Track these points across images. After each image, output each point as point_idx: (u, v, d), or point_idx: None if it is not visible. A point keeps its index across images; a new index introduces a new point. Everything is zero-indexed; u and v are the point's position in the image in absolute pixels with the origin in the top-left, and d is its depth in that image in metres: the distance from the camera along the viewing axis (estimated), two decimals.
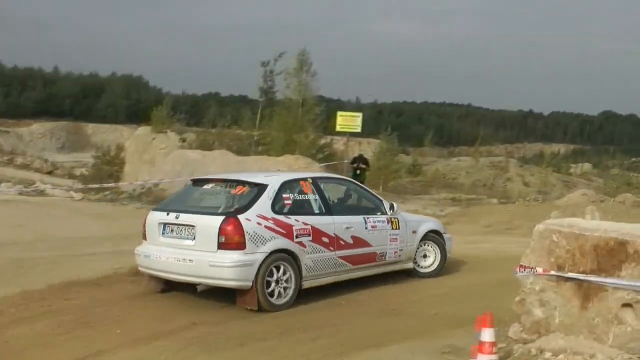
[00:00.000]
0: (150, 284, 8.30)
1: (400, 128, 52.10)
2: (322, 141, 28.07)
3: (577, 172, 41.38)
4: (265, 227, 7.63)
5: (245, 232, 7.46)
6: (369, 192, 9.43)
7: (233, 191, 8.15)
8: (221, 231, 7.45)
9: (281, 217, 7.83)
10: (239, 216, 7.55)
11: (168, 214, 7.98)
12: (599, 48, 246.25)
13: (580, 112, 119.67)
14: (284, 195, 8.05)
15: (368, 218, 8.77)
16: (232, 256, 7.40)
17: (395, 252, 9.02)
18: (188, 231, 7.74)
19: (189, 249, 7.65)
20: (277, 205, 7.91)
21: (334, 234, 8.25)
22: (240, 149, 24.74)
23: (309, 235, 7.98)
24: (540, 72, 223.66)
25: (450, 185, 29.50)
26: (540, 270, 5.16)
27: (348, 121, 23.73)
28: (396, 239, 9.03)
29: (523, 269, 5.24)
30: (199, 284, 8.01)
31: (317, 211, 8.28)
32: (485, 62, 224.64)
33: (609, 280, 4.84)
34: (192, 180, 9.04)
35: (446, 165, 35.32)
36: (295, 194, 8.21)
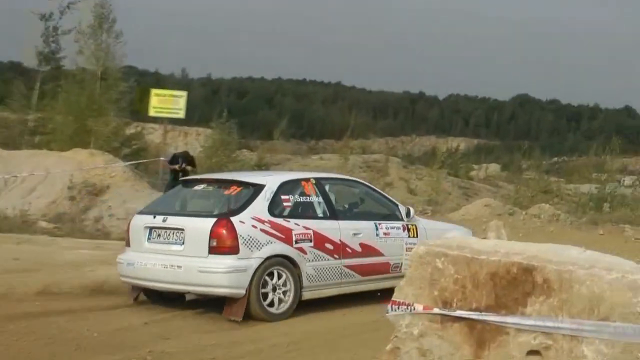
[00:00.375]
0: (133, 295, 10.07)
1: (243, 114, 52.27)
2: (130, 130, 27.60)
3: (480, 176, 43.22)
4: (261, 230, 9.38)
5: (238, 236, 9.17)
6: (383, 195, 11.32)
7: (227, 192, 9.95)
8: (212, 234, 9.15)
9: (279, 220, 9.61)
10: (232, 218, 9.26)
11: (155, 217, 9.76)
12: (510, 14, 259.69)
13: (487, 95, 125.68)
14: (283, 197, 9.86)
15: (380, 224, 10.61)
16: (224, 261, 9.08)
17: None
18: (177, 235, 9.48)
19: (177, 255, 9.37)
20: (274, 207, 9.69)
21: (340, 240, 10.05)
22: (7, 139, 23.85)
23: (311, 241, 9.76)
24: (434, 42, 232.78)
25: None
26: (419, 307, 5.23)
27: (167, 103, 23.43)
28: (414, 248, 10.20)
29: (396, 306, 5.29)
30: (187, 292, 9.76)
31: (320, 215, 10.13)
32: (361, 28, 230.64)
33: (510, 319, 4.98)
34: (181, 180, 11.27)
35: (305, 165, 35.73)
36: (296, 196, 10.04)
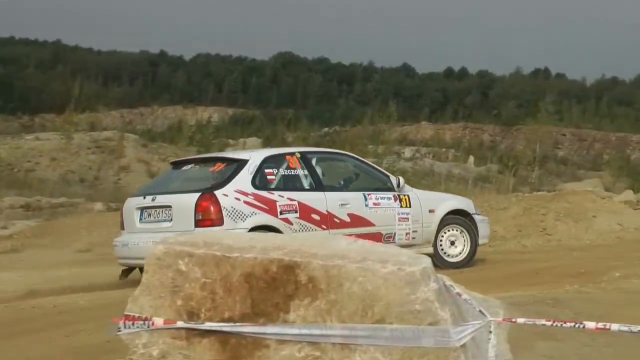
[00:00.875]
0: (125, 275, 12.73)
1: None
2: None
3: None
4: (245, 202, 12.08)
5: (222, 208, 11.86)
6: (372, 167, 14.34)
7: (211, 169, 12.80)
8: (197, 208, 11.84)
9: (263, 193, 12.33)
10: (216, 192, 11.99)
11: (144, 198, 12.60)
12: None
13: (243, 54, 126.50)
14: (267, 171, 12.59)
15: (369, 194, 13.36)
16: None
17: (407, 233, 13.62)
18: (165, 213, 12.24)
19: (167, 231, 11.49)
20: (258, 181, 12.41)
21: (327, 210, 12.76)
22: None
23: (296, 212, 12.46)
24: None
25: (23, 183, 29.16)
26: (159, 322, 5.19)
27: None
28: (407, 218, 13.58)
29: (130, 322, 5.22)
30: None
31: (306, 187, 12.87)
32: None
33: (270, 329, 5.03)
34: (171, 163, 14.24)
35: (16, 148, 34.84)
36: (281, 169, 12.75)
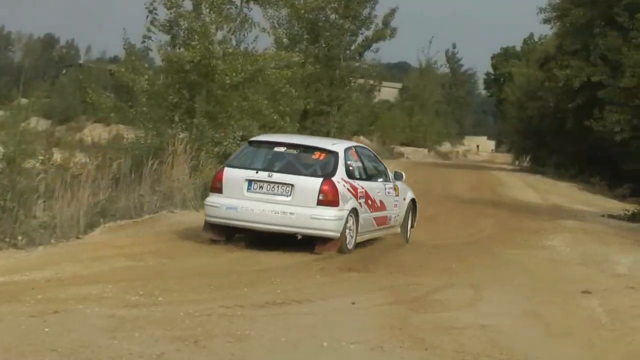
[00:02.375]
0: (210, 234, 19.46)
1: None
2: None
3: None
4: (347, 189, 18.97)
5: (339, 192, 18.53)
6: (379, 160, 22.09)
7: (314, 157, 19.76)
8: (321, 191, 18.58)
9: (352, 181, 19.15)
10: (333, 178, 18.74)
11: (257, 172, 19.02)
12: None
13: None
14: (348, 162, 19.53)
15: (385, 184, 21.14)
16: (330, 212, 18.65)
17: (395, 217, 21.75)
18: (283, 189, 18.91)
19: (286, 204, 18.69)
20: (347, 171, 19.28)
21: (373, 197, 20.08)
22: None
23: (364, 197, 19.65)
24: None
25: None
26: None
27: None
28: (397, 204, 21.75)
29: None
30: (297, 234, 18.86)
31: (364, 177, 20.27)
32: None
33: None
34: (249, 142, 21.44)
35: None
36: (351, 161, 19.84)
